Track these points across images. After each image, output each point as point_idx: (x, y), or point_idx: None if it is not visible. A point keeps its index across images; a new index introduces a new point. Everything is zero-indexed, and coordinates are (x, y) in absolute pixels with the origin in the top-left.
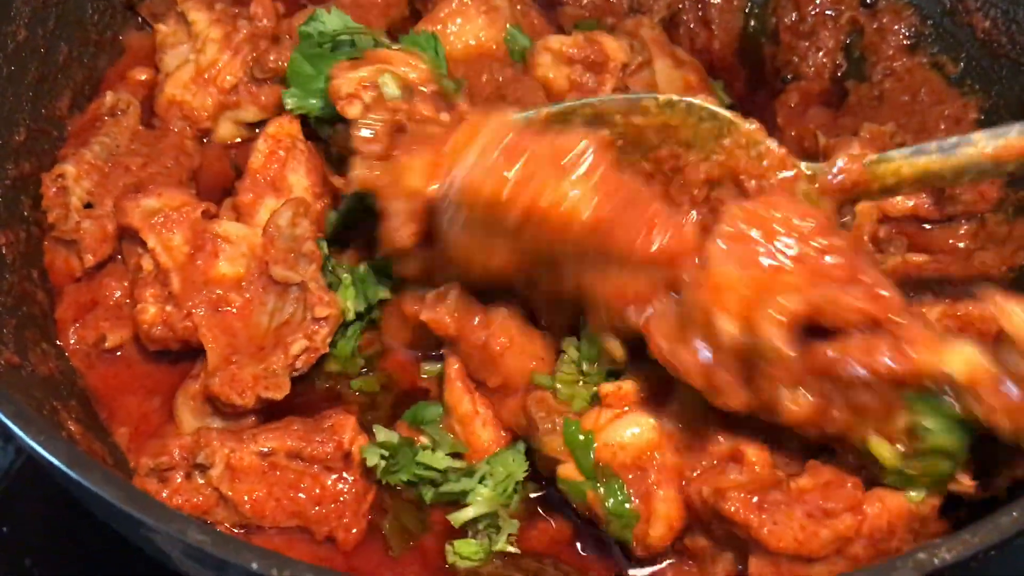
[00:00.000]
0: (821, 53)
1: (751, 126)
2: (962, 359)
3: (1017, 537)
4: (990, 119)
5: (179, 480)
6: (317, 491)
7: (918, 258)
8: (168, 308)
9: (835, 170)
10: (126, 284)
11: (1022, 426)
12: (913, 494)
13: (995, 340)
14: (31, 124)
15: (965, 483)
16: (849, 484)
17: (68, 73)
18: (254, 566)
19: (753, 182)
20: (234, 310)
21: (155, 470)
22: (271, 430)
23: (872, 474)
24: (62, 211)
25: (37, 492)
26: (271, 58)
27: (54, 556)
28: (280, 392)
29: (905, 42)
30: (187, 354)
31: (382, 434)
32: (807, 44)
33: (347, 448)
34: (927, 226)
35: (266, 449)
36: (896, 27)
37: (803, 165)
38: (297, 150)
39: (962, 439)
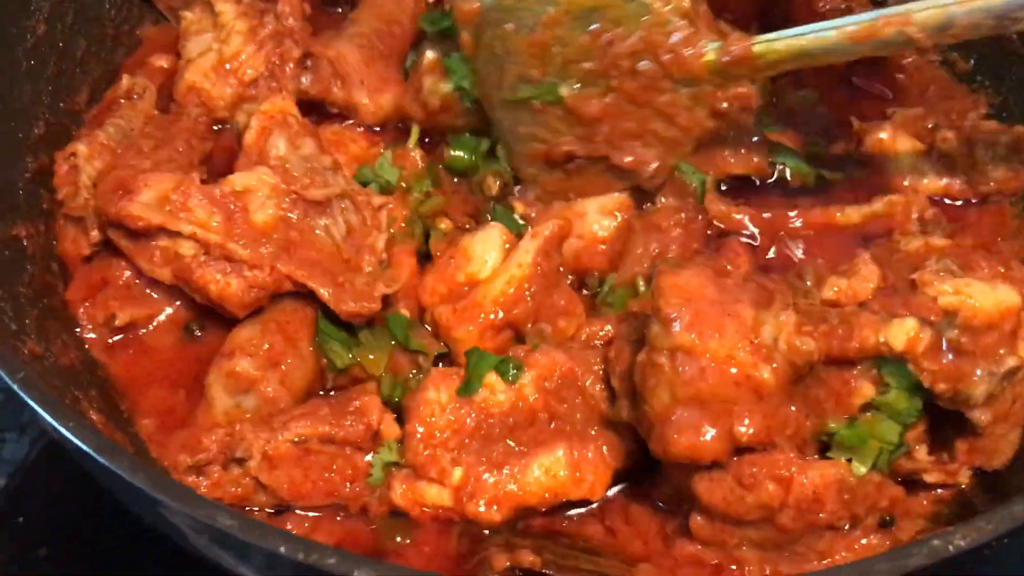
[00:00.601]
0: None
1: (666, 7)
2: (903, 331)
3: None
4: (1000, 115)
5: (217, 473)
6: (350, 471)
7: (940, 242)
8: (247, 273)
9: (729, 49)
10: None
11: (959, 389)
12: (858, 466)
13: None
14: (50, 118)
15: (920, 457)
16: (780, 457)
17: (86, 68)
18: (282, 550)
19: (667, 56)
20: (301, 244)
21: (193, 467)
22: (301, 417)
23: (821, 445)
24: (72, 189)
25: (51, 484)
26: (303, 81)
27: (67, 547)
28: (397, 284)
29: None
30: (208, 339)
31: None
32: None
33: (375, 427)
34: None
35: (299, 438)
36: None
37: (705, 43)
38: (287, 124)
39: (912, 401)
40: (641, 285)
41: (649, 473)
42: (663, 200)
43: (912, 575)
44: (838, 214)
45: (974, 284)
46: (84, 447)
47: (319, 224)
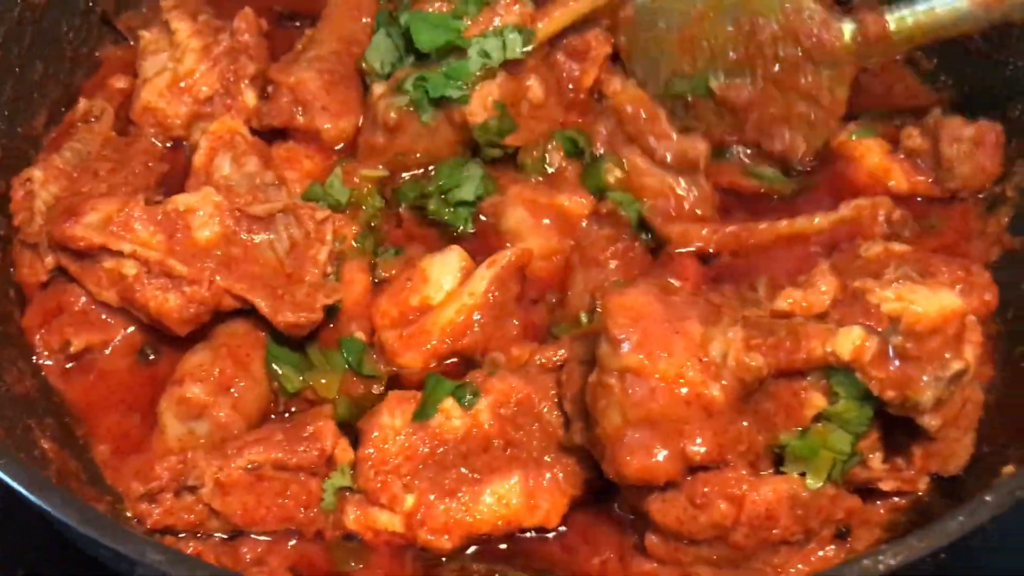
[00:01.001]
0: None
1: None
2: (849, 340)
3: (964, 540)
4: (962, 113)
5: (169, 501)
6: (304, 496)
7: (900, 248)
8: (186, 289)
9: (867, 30)
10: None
11: (908, 396)
12: (810, 481)
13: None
14: (7, 143)
15: (875, 466)
16: (732, 475)
17: (44, 91)
18: None
19: (808, 40)
20: (242, 260)
21: (145, 495)
22: (254, 443)
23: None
24: (27, 214)
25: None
26: (265, 111)
27: (47, 569)
28: (338, 294)
29: None
30: (163, 363)
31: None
32: None
33: (329, 452)
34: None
35: (253, 464)
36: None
37: (842, 25)
38: (234, 144)
39: (862, 410)
40: (584, 320)
41: (609, 492)
42: (595, 228)
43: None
44: (806, 222)
45: (917, 290)
46: (14, 485)
47: (262, 239)
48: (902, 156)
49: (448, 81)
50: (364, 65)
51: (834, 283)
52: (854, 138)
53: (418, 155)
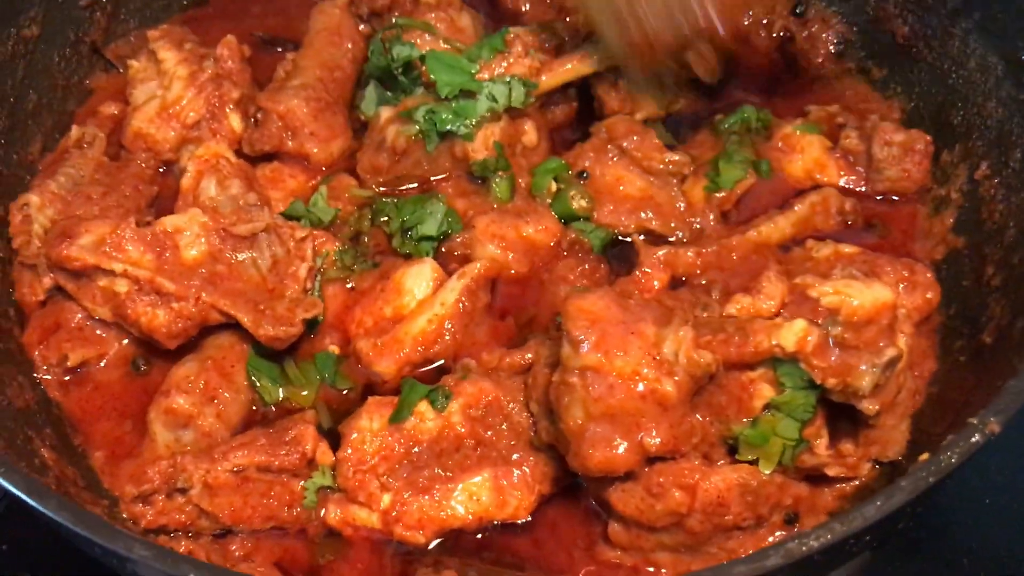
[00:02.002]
0: (756, 59)
1: None
2: (793, 332)
3: (884, 523)
4: (911, 120)
5: (161, 502)
6: (287, 496)
7: (849, 249)
8: (174, 305)
9: None
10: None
11: (848, 383)
12: (763, 467)
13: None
14: (3, 169)
15: (820, 452)
16: (686, 465)
17: (38, 119)
18: None
19: None
20: (227, 277)
21: (139, 497)
22: (239, 447)
23: (729, 448)
24: (25, 238)
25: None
26: (256, 137)
27: (48, 571)
28: (317, 308)
29: (832, 49)
30: (155, 373)
31: None
32: (740, 51)
33: (310, 455)
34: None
35: (238, 467)
36: (825, 35)
37: None
38: (218, 168)
39: (807, 398)
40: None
41: (575, 489)
42: (563, 253)
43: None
44: (772, 228)
45: (852, 284)
46: (12, 489)
47: (245, 257)
48: (839, 154)
49: (457, 118)
50: (360, 114)
51: (781, 288)
52: (798, 132)
53: (413, 178)
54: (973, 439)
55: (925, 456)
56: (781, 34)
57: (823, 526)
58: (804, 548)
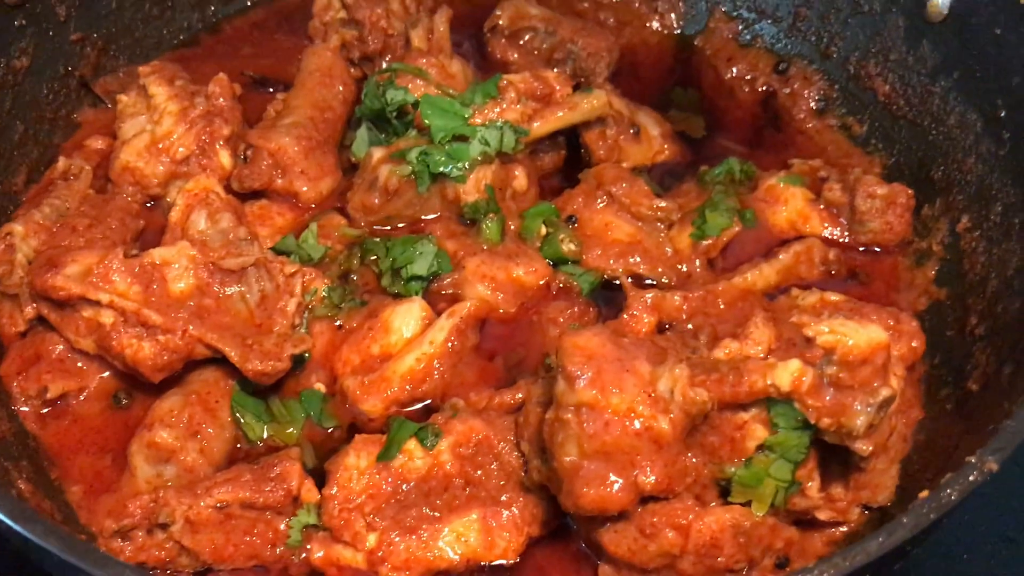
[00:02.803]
0: (739, 112)
1: None
2: (788, 372)
3: (885, 560)
4: (892, 175)
5: (141, 538)
6: (271, 534)
7: (835, 297)
8: (160, 337)
9: None
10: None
11: (842, 423)
12: (756, 509)
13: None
14: None
15: (812, 494)
16: (679, 505)
17: (24, 150)
18: None
19: None
20: (215, 311)
21: (118, 532)
22: (223, 483)
23: (722, 490)
24: (7, 267)
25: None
26: (246, 174)
27: None
28: (305, 344)
29: (814, 105)
30: (136, 408)
31: None
32: (724, 104)
33: (295, 493)
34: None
35: (221, 503)
36: (806, 92)
37: None
38: (208, 202)
39: (800, 438)
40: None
41: (565, 531)
42: (552, 295)
43: None
44: (757, 276)
45: (847, 323)
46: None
47: (233, 291)
48: (822, 206)
49: (450, 160)
50: (351, 155)
51: (768, 333)
52: (782, 184)
53: (404, 218)
54: (971, 477)
55: (925, 493)
56: (764, 88)
57: (825, 561)
58: None
